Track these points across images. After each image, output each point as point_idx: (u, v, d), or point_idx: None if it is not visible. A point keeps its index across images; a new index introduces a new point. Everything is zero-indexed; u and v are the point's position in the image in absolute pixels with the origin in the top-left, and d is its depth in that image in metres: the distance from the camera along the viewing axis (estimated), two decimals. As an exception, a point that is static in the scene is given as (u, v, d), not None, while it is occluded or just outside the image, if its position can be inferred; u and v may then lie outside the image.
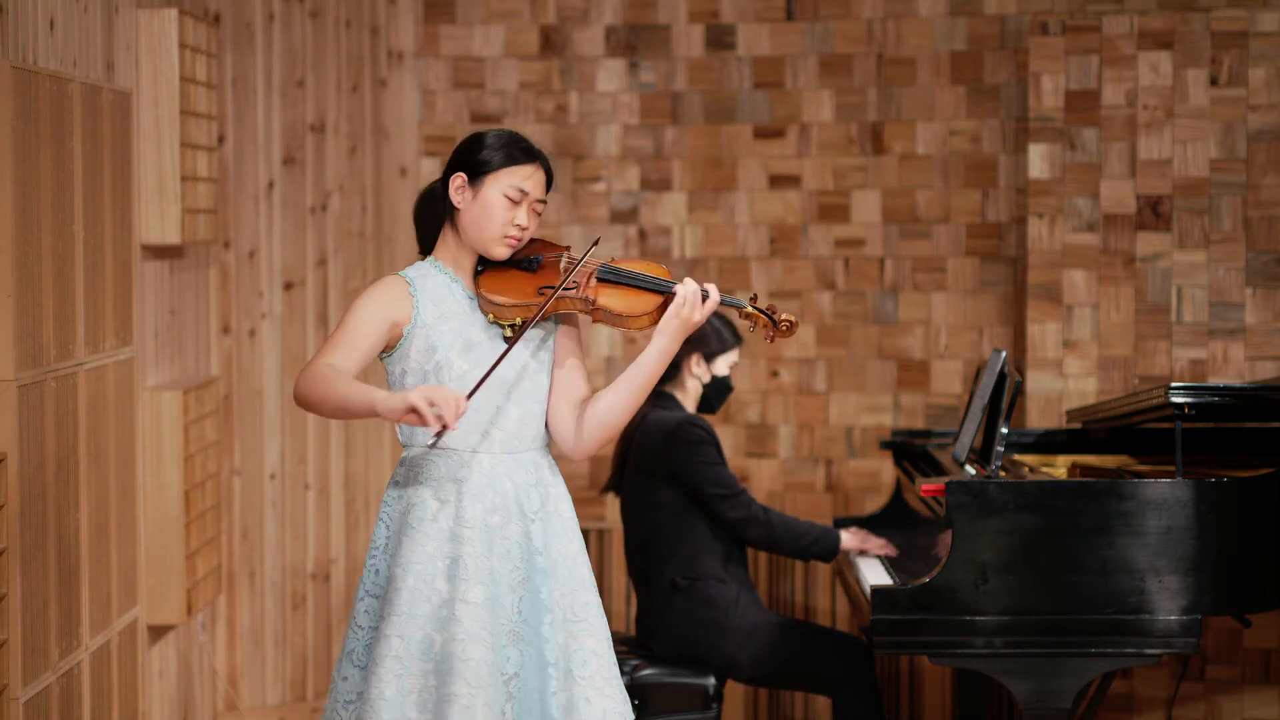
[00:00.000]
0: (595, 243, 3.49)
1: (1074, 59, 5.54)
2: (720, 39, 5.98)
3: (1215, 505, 4.14)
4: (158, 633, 4.92)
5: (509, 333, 3.41)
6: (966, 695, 5.08)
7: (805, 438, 5.98)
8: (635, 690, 4.65)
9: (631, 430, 4.82)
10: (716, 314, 4.83)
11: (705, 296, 3.40)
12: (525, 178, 3.41)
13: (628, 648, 4.87)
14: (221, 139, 5.49)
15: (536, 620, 3.40)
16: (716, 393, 4.86)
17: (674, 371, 4.83)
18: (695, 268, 5.99)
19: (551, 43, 6.03)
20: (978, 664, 4.17)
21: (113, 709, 4.28)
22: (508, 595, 3.37)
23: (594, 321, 3.46)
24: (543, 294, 3.40)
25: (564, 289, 3.39)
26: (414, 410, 3.19)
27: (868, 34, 5.91)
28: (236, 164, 5.57)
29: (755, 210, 5.98)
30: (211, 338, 5.48)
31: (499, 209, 3.39)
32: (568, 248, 3.50)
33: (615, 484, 4.90)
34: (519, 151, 3.42)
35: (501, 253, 3.43)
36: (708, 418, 5.08)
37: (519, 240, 3.43)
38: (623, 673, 4.64)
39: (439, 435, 3.23)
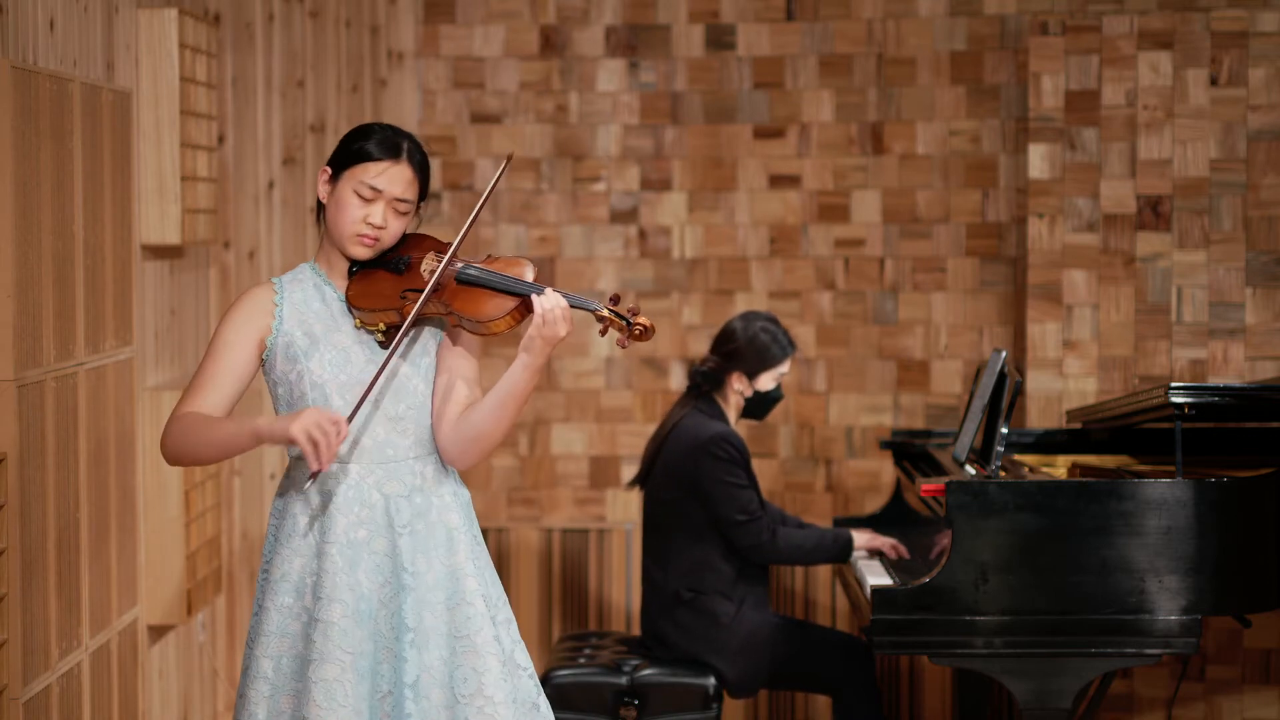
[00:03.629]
0: (463, 233, 3.27)
1: (1074, 59, 5.54)
2: (720, 39, 5.98)
3: (1215, 505, 4.14)
4: (158, 633, 4.92)
5: (380, 338, 3.29)
6: (966, 695, 5.08)
7: (805, 438, 5.97)
8: (635, 690, 4.65)
9: (666, 430, 4.79)
10: (772, 325, 4.79)
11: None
12: (378, 174, 3.25)
13: (628, 648, 4.87)
14: (221, 139, 5.49)
15: (401, 639, 3.24)
16: (760, 405, 4.82)
17: (718, 385, 4.79)
18: (695, 268, 5.99)
19: (551, 43, 6.03)
20: (978, 664, 4.17)
21: (113, 709, 4.28)
22: (377, 611, 3.24)
23: (453, 326, 3.31)
24: (405, 298, 3.25)
25: (425, 292, 3.23)
26: (294, 442, 3.12)
27: (868, 34, 5.91)
28: (236, 164, 5.57)
29: (755, 210, 5.98)
30: (211, 338, 5.48)
31: (351, 206, 3.25)
32: (446, 245, 3.34)
33: (642, 479, 4.87)
34: (376, 146, 3.26)
35: (358, 252, 3.28)
36: (752, 423, 5.05)
37: (374, 240, 3.27)
38: (622, 672, 4.67)
39: (313, 478, 3.16)
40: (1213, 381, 5.44)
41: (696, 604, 4.69)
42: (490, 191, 3.30)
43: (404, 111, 6.00)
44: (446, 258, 3.26)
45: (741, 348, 4.75)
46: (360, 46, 5.90)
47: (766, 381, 4.78)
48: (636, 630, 5.81)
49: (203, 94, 4.99)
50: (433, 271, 3.28)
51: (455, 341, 3.35)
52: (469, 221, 3.29)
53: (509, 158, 3.33)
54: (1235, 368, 5.51)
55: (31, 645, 3.75)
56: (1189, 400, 4.24)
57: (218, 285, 5.56)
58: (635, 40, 6.02)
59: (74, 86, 4.02)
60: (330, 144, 5.81)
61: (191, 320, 5.27)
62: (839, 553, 4.72)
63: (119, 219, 4.36)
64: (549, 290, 3.21)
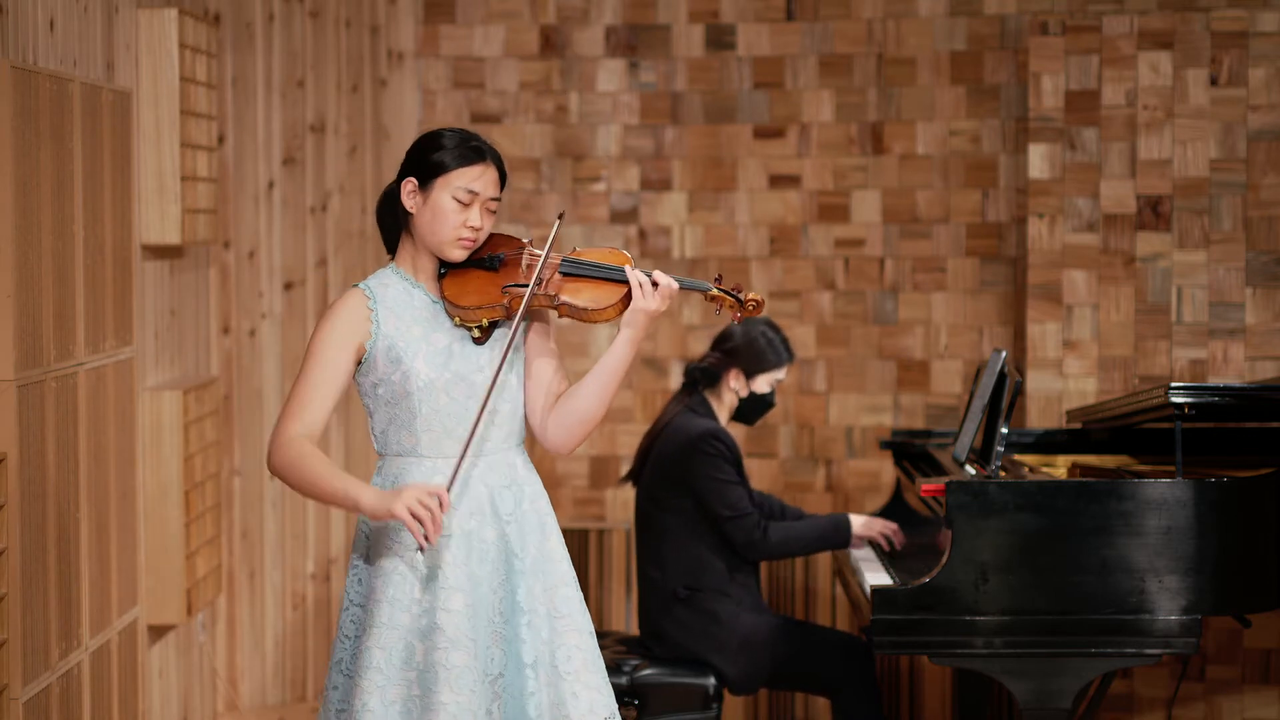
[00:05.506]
0: (556, 228, 3.42)
1: (1074, 59, 5.54)
2: (720, 39, 5.98)
3: (1215, 505, 4.14)
4: (158, 633, 4.92)
5: (477, 334, 3.41)
6: (966, 695, 5.08)
7: (805, 438, 5.97)
8: (635, 690, 4.65)
9: (658, 428, 4.80)
10: (771, 330, 4.80)
11: (655, 285, 3.39)
12: (475, 179, 3.38)
13: (627, 647, 4.87)
14: (221, 139, 5.49)
15: (515, 621, 3.40)
16: (753, 408, 4.82)
17: (713, 382, 4.80)
18: (695, 268, 5.99)
19: (551, 43, 6.03)
20: (978, 664, 4.17)
21: (113, 709, 4.28)
22: (489, 597, 3.37)
23: (560, 316, 3.45)
24: (507, 293, 3.38)
25: (528, 286, 3.37)
26: (398, 519, 3.24)
27: (868, 34, 5.91)
28: (236, 164, 5.57)
29: (755, 210, 5.98)
30: (211, 338, 5.48)
31: (450, 212, 3.37)
32: (528, 242, 3.48)
33: (635, 475, 4.87)
34: (468, 151, 3.38)
35: (457, 255, 3.41)
36: (743, 426, 5.03)
37: (473, 241, 3.40)
38: (622, 672, 4.67)
39: (420, 550, 3.26)
40: (1213, 381, 5.44)
41: (694, 601, 4.70)
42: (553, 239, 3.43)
43: (404, 111, 6.00)
44: (547, 247, 3.39)
45: (740, 346, 4.76)
46: (360, 46, 5.91)
47: (762, 384, 4.78)
48: (636, 630, 5.81)
49: (203, 94, 4.99)
50: (532, 266, 3.41)
51: (539, 331, 3.49)
52: (557, 221, 3.43)
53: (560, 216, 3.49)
54: (1235, 368, 5.51)
55: (31, 645, 3.75)
56: (1189, 400, 4.24)
57: (218, 285, 5.56)
58: (635, 40, 6.02)
59: (74, 86, 4.02)
60: (331, 144, 5.81)
61: (191, 320, 5.27)
62: (838, 537, 4.70)
63: (119, 219, 4.36)
64: (659, 273, 3.40)
